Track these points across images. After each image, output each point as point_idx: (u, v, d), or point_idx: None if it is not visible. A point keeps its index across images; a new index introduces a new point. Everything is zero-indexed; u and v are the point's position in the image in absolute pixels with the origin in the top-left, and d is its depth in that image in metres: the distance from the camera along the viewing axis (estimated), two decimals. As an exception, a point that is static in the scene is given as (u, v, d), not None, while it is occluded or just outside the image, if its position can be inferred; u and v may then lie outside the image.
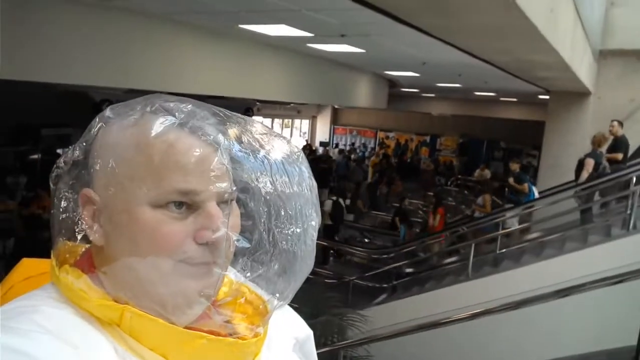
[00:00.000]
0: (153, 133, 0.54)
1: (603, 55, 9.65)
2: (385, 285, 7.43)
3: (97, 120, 0.59)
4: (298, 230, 0.60)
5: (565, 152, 8.76)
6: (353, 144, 20.90)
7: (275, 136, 0.61)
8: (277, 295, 0.61)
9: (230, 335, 0.58)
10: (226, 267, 0.57)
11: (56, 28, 4.62)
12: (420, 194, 13.88)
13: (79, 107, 9.05)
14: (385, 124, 20.48)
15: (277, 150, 0.60)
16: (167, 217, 0.53)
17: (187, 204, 0.54)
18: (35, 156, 10.20)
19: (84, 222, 0.57)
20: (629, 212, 5.23)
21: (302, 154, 0.62)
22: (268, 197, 0.58)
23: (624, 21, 9.22)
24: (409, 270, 7.61)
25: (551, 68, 5.84)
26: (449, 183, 16.71)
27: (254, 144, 0.58)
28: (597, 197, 5.94)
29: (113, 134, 0.56)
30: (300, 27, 5.45)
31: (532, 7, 3.19)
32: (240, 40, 6.72)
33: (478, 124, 17.91)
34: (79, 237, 0.59)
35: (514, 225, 6.30)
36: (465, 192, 14.08)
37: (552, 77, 7.02)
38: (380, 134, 21.01)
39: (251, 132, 0.59)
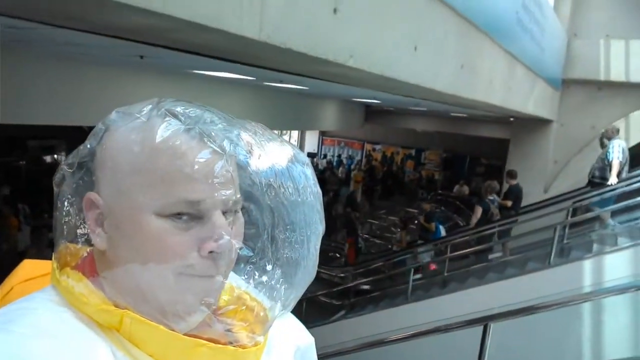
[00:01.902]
0: (159, 139, 0.52)
1: (566, 84, 9.98)
2: (340, 303, 7.80)
3: (102, 123, 0.57)
4: (301, 238, 0.59)
5: (527, 176, 8.90)
6: (339, 155, 21.21)
7: (280, 142, 0.60)
8: (279, 303, 0.61)
9: (231, 343, 0.58)
10: (227, 274, 0.56)
11: (27, 77, 5.06)
12: (397, 209, 14.17)
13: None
14: (373, 136, 20.77)
15: (283, 156, 0.59)
16: (173, 228, 0.52)
17: (192, 214, 0.53)
18: (21, 162, 10.68)
19: (87, 226, 0.56)
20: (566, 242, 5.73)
21: (307, 160, 0.62)
22: (272, 205, 0.57)
23: (584, 52, 9.56)
24: (365, 288, 7.97)
25: (487, 107, 6.17)
26: (429, 197, 16.98)
27: (259, 149, 0.57)
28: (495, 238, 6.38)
29: (119, 138, 0.55)
30: (240, 74, 5.48)
31: (421, 73, 3.40)
32: (197, 78, 7.02)
33: (461, 140, 18.15)
34: (81, 240, 0.59)
35: (425, 259, 6.72)
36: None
37: (497, 111, 7.31)
38: (368, 146, 21.35)
39: (257, 138, 0.58)
